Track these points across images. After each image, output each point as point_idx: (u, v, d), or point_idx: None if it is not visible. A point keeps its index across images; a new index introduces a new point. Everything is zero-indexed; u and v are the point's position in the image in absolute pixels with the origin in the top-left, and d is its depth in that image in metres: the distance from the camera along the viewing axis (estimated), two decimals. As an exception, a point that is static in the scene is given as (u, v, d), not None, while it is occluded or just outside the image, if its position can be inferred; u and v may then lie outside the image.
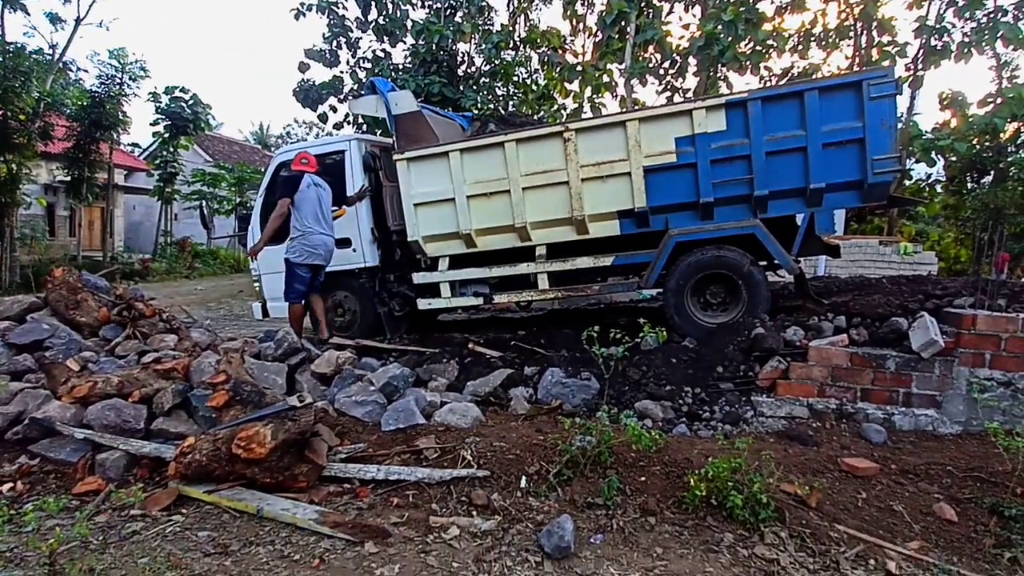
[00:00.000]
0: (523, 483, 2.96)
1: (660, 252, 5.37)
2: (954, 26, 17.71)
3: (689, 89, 19.30)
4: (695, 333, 5.14)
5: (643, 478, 2.97)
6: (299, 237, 5.67)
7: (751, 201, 5.23)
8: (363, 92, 6.59)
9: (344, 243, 6.33)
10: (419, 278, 6.18)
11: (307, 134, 31.79)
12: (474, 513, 2.78)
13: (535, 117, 19.80)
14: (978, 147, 18.96)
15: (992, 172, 20.21)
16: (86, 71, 23.57)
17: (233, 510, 2.78)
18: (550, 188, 5.62)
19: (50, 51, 17.67)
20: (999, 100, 17.93)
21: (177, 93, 20.70)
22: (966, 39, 17.19)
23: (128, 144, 26.70)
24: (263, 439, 2.79)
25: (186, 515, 2.77)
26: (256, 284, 6.87)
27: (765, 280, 5.20)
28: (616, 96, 19.60)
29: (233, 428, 2.93)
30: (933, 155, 18.93)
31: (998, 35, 15.96)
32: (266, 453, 2.78)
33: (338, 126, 19.13)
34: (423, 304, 6.18)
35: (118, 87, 18.66)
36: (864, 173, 4.93)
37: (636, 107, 16.39)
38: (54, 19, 17.34)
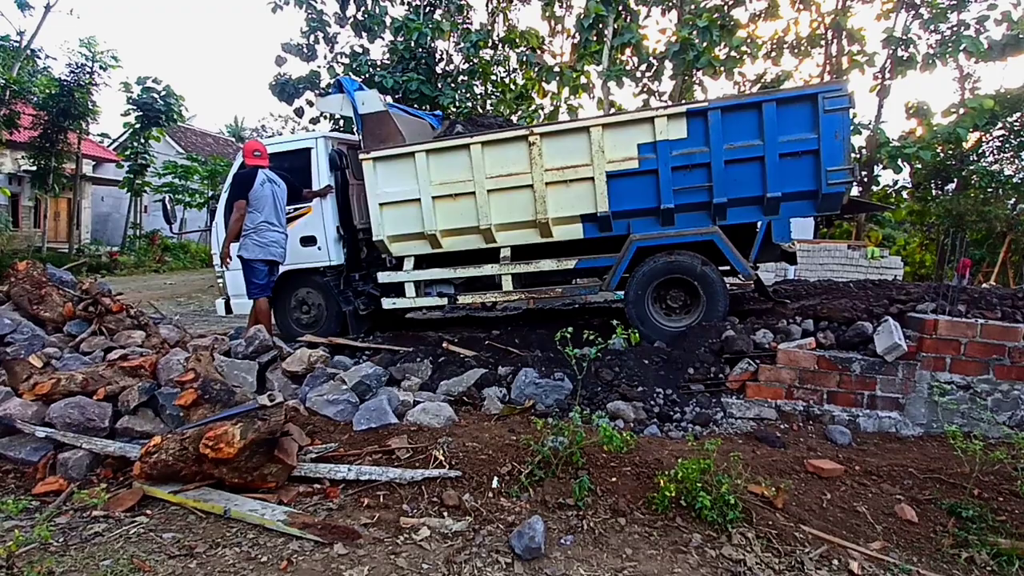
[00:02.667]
0: (495, 484, 2.97)
1: (622, 256, 5.46)
2: (920, 38, 18.22)
3: (665, 92, 19.52)
4: (656, 336, 5.25)
5: (614, 479, 3.00)
6: (251, 233, 5.58)
7: (710, 208, 5.34)
8: (330, 90, 6.55)
9: (309, 241, 6.33)
10: (384, 277, 6.21)
11: (283, 128, 31.35)
12: (445, 514, 2.78)
13: (512, 117, 19.82)
14: (942, 155, 19.56)
15: (955, 180, 20.86)
16: (55, 59, 22.93)
17: (200, 511, 2.74)
18: (515, 191, 5.67)
19: (17, 38, 17.14)
20: (962, 110, 18.50)
21: (149, 83, 20.25)
22: (931, 51, 17.71)
23: (98, 134, 26.04)
24: (232, 439, 2.74)
25: (151, 516, 2.71)
26: (220, 280, 6.79)
27: (723, 285, 5.31)
28: (593, 97, 19.70)
29: (201, 427, 2.88)
30: (899, 162, 19.46)
31: (961, 48, 16.49)
32: (235, 453, 2.74)
33: (315, 120, 18.88)
34: (387, 303, 6.20)
35: (88, 76, 18.17)
36: (819, 183, 5.06)
37: (612, 110, 16.50)
38: (23, 5, 16.81)
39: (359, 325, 6.43)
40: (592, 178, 5.46)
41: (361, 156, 6.01)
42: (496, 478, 3.00)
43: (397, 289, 6.17)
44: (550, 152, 5.53)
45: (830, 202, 5.18)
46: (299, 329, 6.36)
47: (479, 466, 3.07)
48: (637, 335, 3.65)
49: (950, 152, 19.59)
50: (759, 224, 5.40)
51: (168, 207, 7.03)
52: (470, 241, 5.94)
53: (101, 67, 18.45)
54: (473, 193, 5.72)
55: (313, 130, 17.13)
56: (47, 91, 17.33)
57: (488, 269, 5.93)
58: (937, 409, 3.89)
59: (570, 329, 3.63)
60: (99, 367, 3.76)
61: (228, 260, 5.73)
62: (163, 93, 20.31)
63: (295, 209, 6.33)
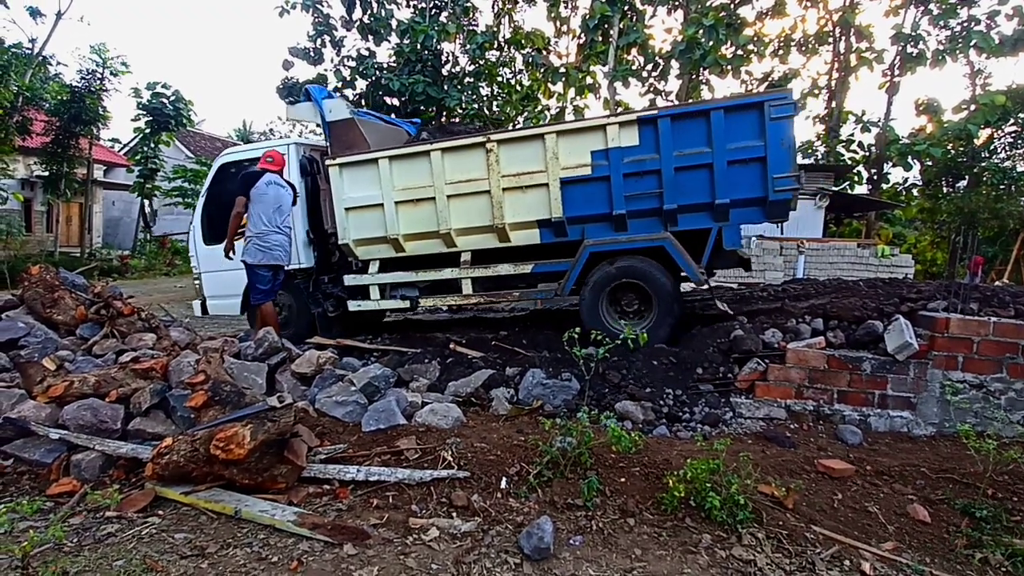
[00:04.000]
0: (503, 484, 2.97)
1: (576, 261, 5.53)
2: (929, 34, 18.05)
3: (671, 92, 19.49)
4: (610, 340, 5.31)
5: (623, 479, 2.99)
6: (253, 238, 5.58)
7: (662, 215, 5.41)
8: (300, 99, 6.69)
9: None
10: (349, 280, 6.32)
11: (290, 131, 31.54)
12: (454, 514, 2.78)
13: (519, 118, 19.83)
14: (953, 152, 19.39)
15: (966, 177, 20.66)
16: (66, 65, 23.20)
17: (211, 512, 2.75)
18: (473, 196, 5.78)
19: (29, 45, 17.35)
20: (973, 107, 18.32)
21: (159, 89, 20.46)
22: (941, 47, 17.55)
23: (108, 139, 26.28)
24: (242, 440, 2.76)
25: (163, 517, 2.73)
26: (196, 282, 6.95)
27: (675, 290, 5.39)
28: (599, 98, 19.70)
29: (212, 429, 2.90)
30: (910, 160, 19.30)
31: (972, 43, 16.33)
32: (245, 454, 2.76)
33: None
34: (353, 305, 6.31)
35: (99, 82, 18.38)
36: (766, 190, 5.11)
37: (619, 110, 16.47)
38: (34, 13, 17.02)
39: (328, 327, 6.53)
40: (547, 184, 5.56)
41: (328, 162, 6.16)
42: (505, 479, 3.00)
43: (363, 292, 6.30)
44: (507, 159, 5.64)
45: (778, 209, 5.24)
46: None
47: (488, 467, 3.08)
48: (645, 336, 3.65)
49: (961, 149, 19.41)
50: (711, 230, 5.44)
51: (147, 212, 7.22)
52: (432, 245, 6.06)
53: (111, 73, 18.66)
54: (433, 199, 5.85)
55: (320, 135, 17.17)
56: (59, 97, 17.54)
57: (448, 273, 6.05)
58: (949, 408, 3.86)
59: (578, 329, 3.63)
60: (111, 369, 3.79)
61: (232, 254, 5.69)
62: (172, 98, 20.51)
63: None
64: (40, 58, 17.58)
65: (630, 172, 5.37)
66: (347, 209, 6.14)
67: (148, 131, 20.51)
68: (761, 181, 5.13)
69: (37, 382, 3.57)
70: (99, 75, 18.46)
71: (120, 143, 27.72)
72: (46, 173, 18.53)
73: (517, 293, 6.02)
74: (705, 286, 5.56)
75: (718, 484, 2.75)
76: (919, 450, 3.69)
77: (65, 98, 17.59)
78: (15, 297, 4.90)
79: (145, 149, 20.87)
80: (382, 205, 6.00)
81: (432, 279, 6.13)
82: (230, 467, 2.82)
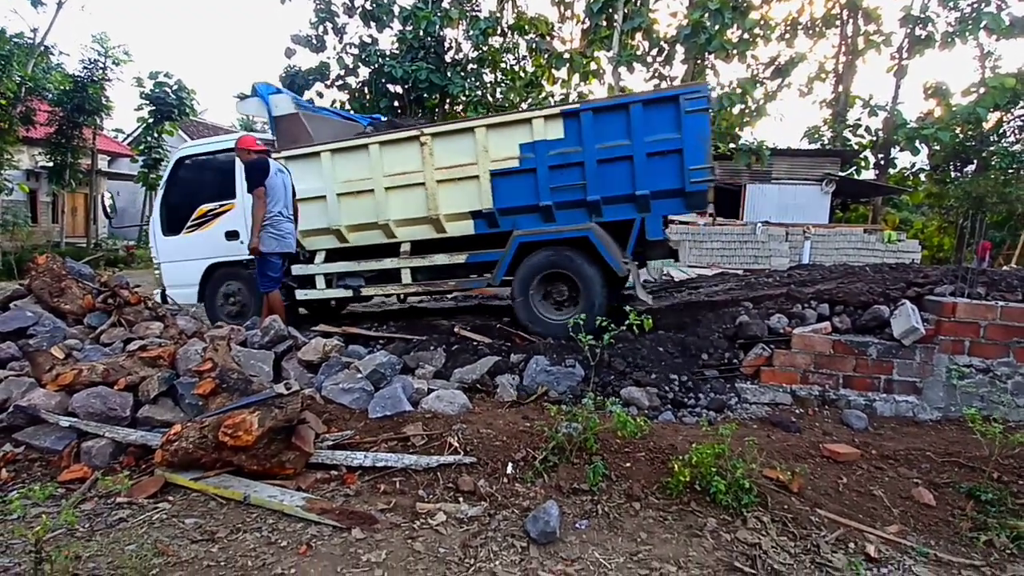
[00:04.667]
0: (509, 469, 2.99)
1: (506, 251, 5.70)
2: (938, 16, 17.80)
3: (676, 77, 19.30)
4: (539, 327, 5.48)
5: (628, 464, 3.01)
6: (267, 226, 5.55)
7: (587, 205, 5.57)
8: (248, 95, 6.95)
9: (233, 235, 6.63)
10: (296, 269, 6.46)
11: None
12: (461, 499, 2.80)
13: (523, 104, 19.70)
14: (961, 136, 19.20)
15: (975, 161, 20.47)
16: (68, 55, 23.16)
17: (220, 497, 2.78)
18: (410, 188, 5.96)
19: (31, 35, 17.31)
20: (982, 90, 18.09)
21: (161, 78, 20.40)
22: (950, 28, 17.30)
23: (112, 130, 26.29)
24: (250, 426, 2.78)
25: (173, 502, 2.77)
26: (156, 272, 7.13)
27: (600, 279, 5.47)
28: (604, 83, 19.54)
29: (220, 416, 2.92)
30: (917, 144, 19.11)
31: (981, 25, 16.09)
32: (253, 440, 2.78)
33: (326, 112, 18.83)
34: (300, 294, 6.49)
35: (101, 71, 18.34)
36: (683, 182, 5.26)
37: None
38: (35, 2, 16.96)
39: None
40: (478, 176, 5.74)
41: (273, 156, 6.28)
42: (511, 464, 3.02)
43: (310, 281, 6.44)
44: (440, 152, 5.81)
45: (695, 200, 5.44)
46: (227, 319, 6.54)
47: (494, 452, 3.09)
48: (650, 321, 3.65)
49: (970, 133, 19.22)
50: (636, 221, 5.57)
51: (105, 203, 7.49)
52: (373, 236, 6.25)
53: (114, 62, 18.63)
54: (373, 191, 6.02)
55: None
56: (61, 87, 17.52)
57: (388, 263, 6.22)
58: (956, 392, 3.85)
59: (583, 316, 3.63)
60: (119, 358, 3.82)
61: (260, 251, 5.66)
62: (175, 87, 20.46)
63: (220, 205, 6.74)
64: (42, 48, 17.54)
65: (555, 164, 5.53)
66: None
67: (151, 121, 20.49)
68: (679, 173, 5.27)
69: (46, 370, 3.60)
70: (101, 64, 18.42)
71: (124, 133, 27.73)
72: (51, 164, 18.57)
73: (453, 282, 6.18)
74: (627, 275, 5.63)
75: (723, 468, 2.76)
76: (924, 434, 3.69)
77: (68, 88, 17.58)
78: (23, 287, 4.94)
79: (149, 139, 20.86)
80: (325, 197, 6.20)
81: (374, 269, 6.30)
82: (238, 453, 2.85)
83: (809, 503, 2.80)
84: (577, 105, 5.54)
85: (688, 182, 5.26)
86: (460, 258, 6.00)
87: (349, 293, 6.36)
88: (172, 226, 6.94)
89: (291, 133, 6.50)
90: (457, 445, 3.13)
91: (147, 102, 20.33)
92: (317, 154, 6.19)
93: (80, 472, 3.00)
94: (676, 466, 2.81)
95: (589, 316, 5.31)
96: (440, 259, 6.05)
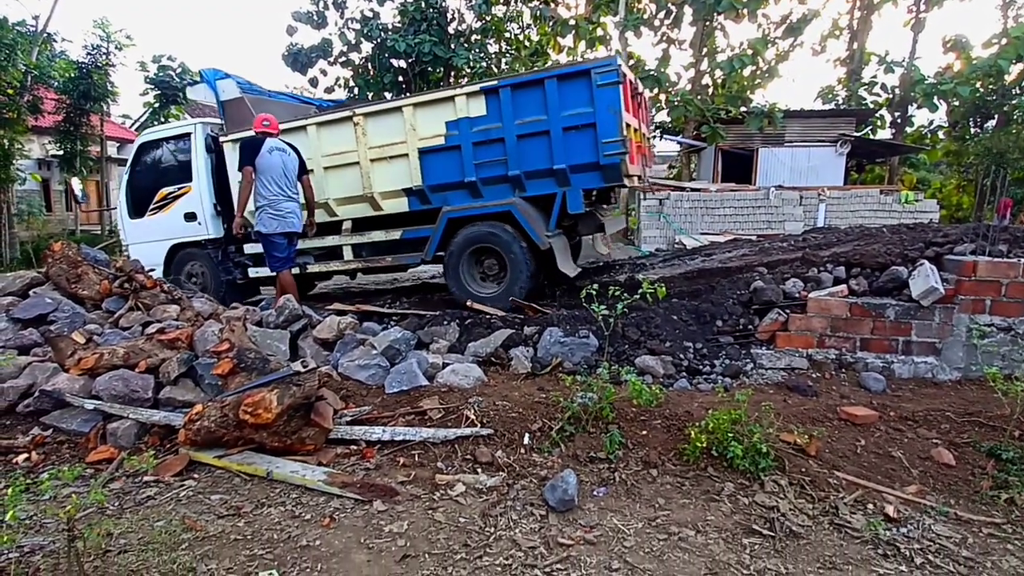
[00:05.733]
0: (526, 440, 3.01)
1: (436, 227, 5.92)
2: (960, -36, 17.13)
3: (684, 40, 18.85)
4: (471, 300, 5.59)
5: (644, 432, 3.02)
6: (266, 207, 5.56)
7: (511, 181, 5.70)
8: (198, 81, 7.28)
9: (191, 217, 6.97)
10: (249, 248, 6.77)
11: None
12: (479, 470, 2.84)
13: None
14: (982, 91, 18.64)
15: (996, 116, 19.90)
16: (71, 41, 23.07)
17: (244, 474, 2.84)
18: (346, 168, 6.18)
19: (33, 22, 17.23)
20: (1004, 41, 17.50)
21: (165, 62, 20.29)
22: (972, -22, 16.64)
23: (119, 116, 26.28)
24: (269, 404, 2.82)
25: (198, 480, 2.83)
26: (125, 255, 7.33)
27: (524, 253, 5.63)
28: (610, 49, 19.16)
29: (239, 395, 2.96)
30: (936, 100, 18.60)
31: (1006, -28, 15.44)
32: (273, 418, 2.82)
33: (329, 90, 18.74)
34: (252, 272, 6.86)
35: (104, 57, 18.27)
36: (597, 155, 5.33)
37: (630, 61, 15.94)
38: (35, -12, 16.83)
39: (234, 294, 6.90)
40: (407, 154, 5.91)
41: (221, 139, 6.67)
42: (527, 435, 3.04)
43: (261, 259, 6.56)
44: (372, 131, 5.99)
45: (610, 173, 5.45)
46: None
47: (510, 423, 3.12)
48: (664, 290, 3.63)
49: (990, 87, 18.66)
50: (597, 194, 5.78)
51: (75, 189, 7.82)
52: (317, 215, 6.33)
53: (116, 47, 18.52)
54: (312, 171, 6.17)
55: (331, 98, 16.95)
56: (66, 75, 17.48)
57: (330, 240, 6.47)
58: (976, 352, 3.80)
59: (595, 285, 3.62)
60: (138, 341, 3.88)
61: (241, 232, 5.72)
62: (179, 70, 20.34)
63: (178, 188, 7.05)
64: (45, 35, 17.47)
65: (479, 141, 5.65)
66: (240, 182, 6.44)
67: (157, 105, 20.45)
68: (593, 146, 5.33)
69: (68, 355, 3.67)
70: (104, 50, 18.33)
71: (131, 119, 27.70)
72: (61, 152, 18.66)
73: (390, 258, 6.37)
74: (548, 247, 5.64)
75: (740, 434, 2.76)
76: (944, 395, 3.66)
77: (73, 75, 17.54)
78: (41, 274, 5.00)
79: (156, 123, 20.84)
80: None
81: (319, 246, 6.53)
82: (259, 431, 2.89)
83: (827, 466, 2.80)
84: (496, 82, 5.61)
85: (602, 155, 5.31)
86: (396, 234, 6.20)
87: (297, 270, 6.55)
88: (137, 209, 7.31)
89: (238, 117, 6.69)
90: (474, 417, 3.16)
91: (152, 86, 20.26)
92: None
93: (107, 453, 3.07)
94: (692, 433, 2.82)
95: (515, 288, 5.62)
96: (377, 236, 6.26)
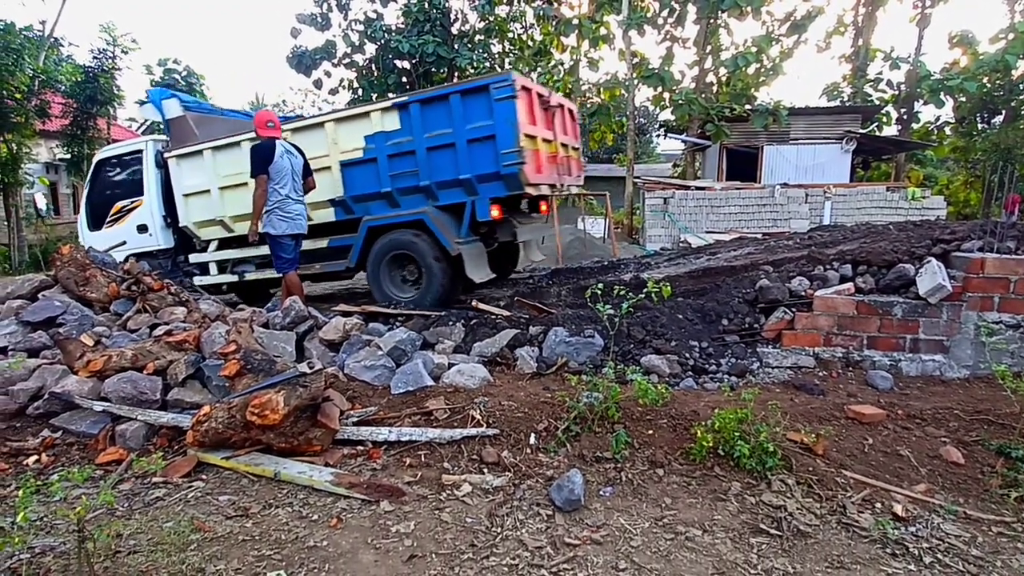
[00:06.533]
0: (532, 440, 3.02)
1: (357, 236, 6.28)
2: (966, -41, 17.02)
3: (688, 39, 18.80)
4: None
5: (650, 431, 3.01)
6: (275, 208, 5.59)
7: (424, 191, 6.00)
8: (145, 100, 7.71)
9: (143, 228, 7.44)
10: (193, 258, 7.28)
11: (303, 101, 31.35)
12: (485, 470, 2.84)
13: (531, 74, 19.33)
14: (989, 86, 18.50)
15: (1003, 111, 19.76)
16: (77, 46, 23.19)
17: (251, 475, 2.86)
18: None
19: (40, 27, 17.34)
20: (1011, 36, 17.38)
21: (170, 65, 20.39)
22: (978, -28, 16.52)
23: (126, 119, 26.42)
24: (276, 405, 2.84)
25: (206, 481, 2.84)
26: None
27: (437, 260, 5.96)
28: (614, 48, 19.13)
29: (246, 396, 2.98)
30: (942, 96, 18.49)
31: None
32: (280, 419, 2.84)
33: (333, 92, 18.79)
34: (197, 280, 7.15)
35: (111, 61, 18.36)
36: (498, 165, 5.59)
37: (634, 59, 15.90)
38: (42, -7, 16.95)
39: None
40: (331, 167, 6.28)
41: (166, 155, 7.13)
42: (533, 434, 3.05)
43: (205, 268, 7.09)
44: (300, 145, 6.09)
45: (511, 182, 5.68)
46: None
47: (516, 423, 3.12)
48: (669, 289, 3.62)
49: (997, 82, 18.51)
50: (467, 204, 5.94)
51: (38, 202, 8.20)
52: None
53: (122, 51, 18.60)
54: (246, 183, 6.24)
55: (333, 103, 17.09)
56: (73, 79, 17.58)
57: (265, 249, 6.48)
58: (984, 350, 3.78)
59: (600, 285, 3.61)
60: (146, 343, 3.90)
61: (255, 238, 5.75)
62: (184, 73, 20.44)
63: (131, 201, 7.53)
64: (52, 40, 17.59)
65: (393, 153, 5.98)
66: (184, 195, 7.06)
67: (163, 108, 20.52)
68: (494, 157, 5.60)
69: (77, 357, 3.70)
70: (110, 54, 18.42)
71: (137, 122, 27.85)
72: (68, 155, 18.76)
73: (319, 266, 6.67)
74: (458, 254, 5.86)
75: (747, 433, 2.76)
76: (952, 393, 3.64)
77: (80, 79, 17.64)
78: (50, 278, 5.04)
79: (162, 126, 20.93)
80: (209, 191, 6.87)
81: (256, 255, 6.79)
82: (266, 432, 2.91)
83: (834, 465, 2.79)
84: (406, 98, 5.92)
85: (502, 166, 5.57)
86: (323, 243, 6.54)
87: (235, 278, 6.96)
88: (95, 222, 7.76)
89: (181, 134, 7.13)
90: (480, 418, 3.16)
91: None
92: (200, 152, 6.85)
93: (116, 454, 3.10)
94: (699, 432, 2.82)
95: (432, 292, 5.92)
96: (305, 244, 6.42)
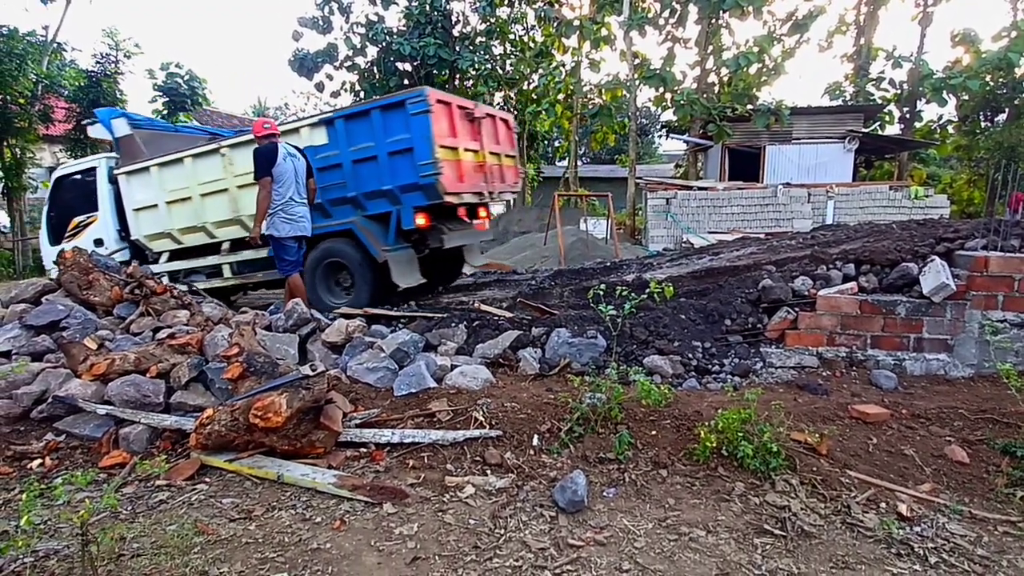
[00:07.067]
0: (535, 441, 3.01)
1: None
2: (968, -43, 17.01)
3: (690, 39, 18.79)
4: (324, 311, 5.85)
5: (654, 432, 3.01)
6: (278, 211, 5.65)
7: (352, 202, 6.31)
8: (95, 121, 7.99)
9: (99, 242, 7.68)
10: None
11: (304, 104, 31.42)
12: (488, 472, 2.84)
13: (533, 75, 19.35)
14: (991, 84, 18.45)
15: (1006, 110, 19.70)
16: (80, 51, 23.29)
17: (254, 477, 2.85)
18: (219, 194, 6.89)
19: (43, 32, 17.41)
20: (1014, 34, 17.34)
21: (172, 69, 20.42)
22: (980, -30, 16.51)
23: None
24: (279, 408, 2.84)
25: (210, 483, 2.84)
26: (49, 273, 8.12)
27: (365, 267, 6.27)
28: (615, 49, 19.13)
29: (249, 399, 2.98)
30: (944, 95, 18.46)
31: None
32: (282, 421, 2.84)
33: (335, 94, 18.83)
34: None
35: (113, 65, 18.41)
36: (416, 176, 5.91)
37: (636, 61, 15.84)
38: (45, -1, 17.01)
39: None
40: None
41: (115, 172, 7.48)
42: (536, 436, 3.04)
43: (158, 279, 7.22)
44: (238, 160, 6.62)
45: (430, 192, 6.00)
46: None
47: (519, 425, 3.12)
48: (671, 289, 3.61)
49: (1001, 80, 18.46)
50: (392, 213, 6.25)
51: None
52: (200, 237, 7.22)
53: (125, 56, 18.66)
54: (191, 197, 7.00)
55: (335, 105, 17.09)
56: (76, 83, 17.64)
57: (210, 259, 7.19)
58: (989, 349, 3.76)
59: (602, 286, 3.61)
60: (149, 346, 3.91)
61: (258, 241, 5.87)
62: (187, 77, 20.47)
63: (87, 216, 7.89)
64: (54, 44, 17.65)
65: (322, 166, 6.25)
66: (135, 210, 7.41)
67: (166, 112, 20.58)
68: (413, 168, 5.92)
69: (80, 361, 3.70)
70: (113, 59, 18.48)
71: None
72: (71, 160, 18.83)
73: (260, 274, 7.00)
74: (385, 261, 6.17)
75: (750, 433, 2.75)
76: (957, 392, 3.63)
77: (83, 84, 17.70)
78: (53, 281, 5.05)
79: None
80: (157, 205, 7.22)
81: (204, 265, 7.21)
82: (269, 435, 2.91)
83: (838, 465, 2.78)
84: (332, 114, 6.30)
85: (419, 176, 5.89)
86: (263, 253, 6.67)
87: (186, 287, 7.04)
88: (55, 236, 8.12)
89: (130, 151, 7.47)
90: (482, 419, 3.16)
91: (160, 93, 20.40)
92: (147, 168, 7.18)
93: (120, 457, 3.10)
94: (702, 432, 2.81)
95: (362, 297, 6.18)
96: (248, 254, 6.89)
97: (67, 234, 8.05)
